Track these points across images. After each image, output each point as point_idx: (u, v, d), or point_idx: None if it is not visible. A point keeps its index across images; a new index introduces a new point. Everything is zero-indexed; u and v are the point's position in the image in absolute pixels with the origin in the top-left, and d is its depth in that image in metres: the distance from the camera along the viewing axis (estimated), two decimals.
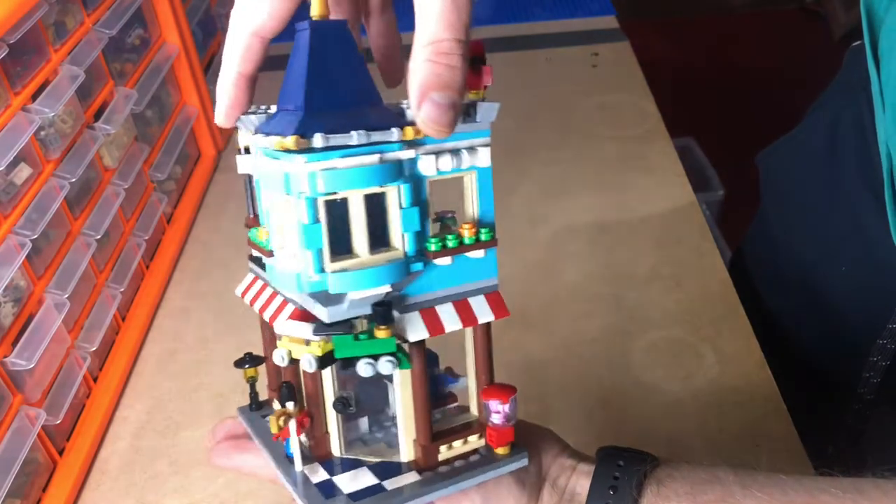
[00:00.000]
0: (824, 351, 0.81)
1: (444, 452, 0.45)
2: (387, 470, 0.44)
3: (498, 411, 0.44)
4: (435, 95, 0.35)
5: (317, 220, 0.37)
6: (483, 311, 0.43)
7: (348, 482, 0.44)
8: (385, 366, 0.39)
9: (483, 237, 0.42)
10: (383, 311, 0.39)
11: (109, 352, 0.83)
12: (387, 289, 0.40)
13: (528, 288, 0.90)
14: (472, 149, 0.41)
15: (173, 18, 1.02)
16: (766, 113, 1.38)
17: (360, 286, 0.39)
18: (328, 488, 0.43)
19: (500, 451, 0.45)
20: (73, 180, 0.75)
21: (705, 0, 3.28)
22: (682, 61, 2.88)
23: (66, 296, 0.72)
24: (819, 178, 0.78)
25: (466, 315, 0.43)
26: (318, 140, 0.37)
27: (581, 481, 0.47)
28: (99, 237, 0.80)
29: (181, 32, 1.04)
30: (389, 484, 0.43)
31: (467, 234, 0.42)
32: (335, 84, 0.39)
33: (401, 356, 0.40)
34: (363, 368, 0.39)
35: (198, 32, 1.12)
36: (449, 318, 0.42)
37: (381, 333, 0.39)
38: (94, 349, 0.78)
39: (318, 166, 0.37)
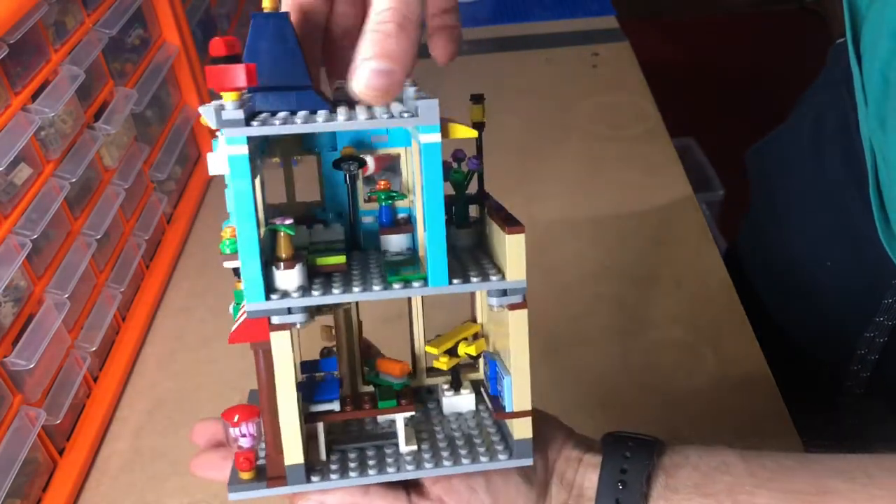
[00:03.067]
0: (815, 345, 0.81)
1: None
2: None
3: (243, 434, 0.41)
4: (371, 63, 0.35)
5: None
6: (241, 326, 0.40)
7: None
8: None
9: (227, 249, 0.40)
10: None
11: (109, 352, 0.83)
12: None
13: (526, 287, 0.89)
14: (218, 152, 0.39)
15: (173, 18, 1.02)
16: (766, 113, 1.38)
17: None
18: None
19: (243, 475, 0.42)
20: (73, 180, 0.75)
21: (705, 0, 3.27)
22: (682, 61, 2.88)
23: (66, 296, 0.72)
24: (805, 174, 0.78)
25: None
26: None
27: (589, 475, 0.46)
28: (99, 237, 0.80)
29: (181, 32, 1.04)
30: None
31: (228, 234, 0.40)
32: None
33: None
34: None
35: (198, 32, 1.12)
36: None
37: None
38: (94, 349, 0.78)
39: None
